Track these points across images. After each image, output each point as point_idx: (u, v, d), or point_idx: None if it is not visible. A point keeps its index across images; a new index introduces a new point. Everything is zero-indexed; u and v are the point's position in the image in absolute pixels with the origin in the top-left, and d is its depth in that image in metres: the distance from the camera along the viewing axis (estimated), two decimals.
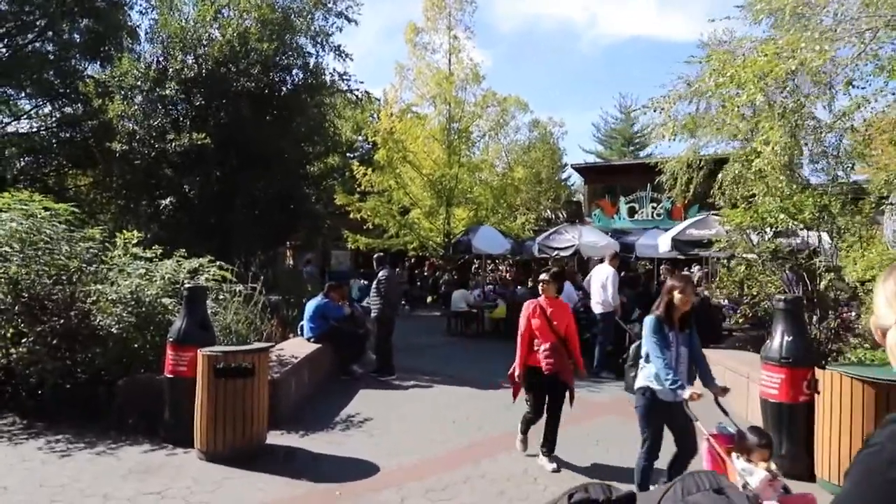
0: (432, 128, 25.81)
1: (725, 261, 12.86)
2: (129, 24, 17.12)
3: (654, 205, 27.01)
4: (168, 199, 11.91)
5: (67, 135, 15.41)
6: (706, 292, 12.03)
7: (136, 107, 12.29)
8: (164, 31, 12.67)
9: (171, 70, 12.52)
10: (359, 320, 10.98)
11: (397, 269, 26.67)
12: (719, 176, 21.70)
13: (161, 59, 12.87)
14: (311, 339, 9.92)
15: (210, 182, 12.26)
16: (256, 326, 9.03)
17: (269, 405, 6.84)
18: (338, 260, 33.29)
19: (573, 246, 13.83)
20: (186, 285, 7.25)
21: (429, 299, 24.74)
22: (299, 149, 13.83)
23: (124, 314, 7.64)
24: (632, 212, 27.04)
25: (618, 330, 10.71)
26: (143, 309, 7.94)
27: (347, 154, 39.66)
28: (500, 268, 29.60)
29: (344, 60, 16.94)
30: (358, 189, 26.74)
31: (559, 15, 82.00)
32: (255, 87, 12.71)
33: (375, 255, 10.73)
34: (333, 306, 10.28)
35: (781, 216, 9.89)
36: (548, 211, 31.66)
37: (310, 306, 10.09)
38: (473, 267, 29.06)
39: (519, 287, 18.36)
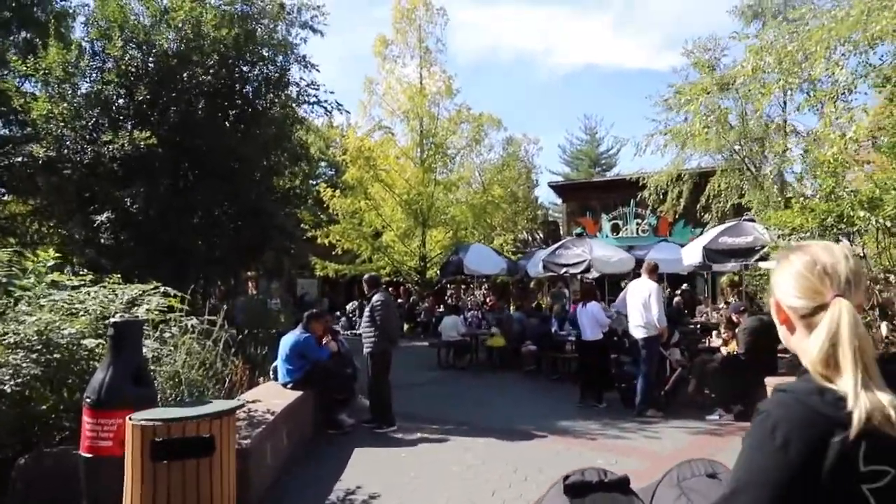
0: (404, 145, 23.78)
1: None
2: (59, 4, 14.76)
3: (639, 221, 25.31)
4: (104, 216, 9.46)
5: None
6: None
7: (64, 104, 9.88)
8: (100, 13, 10.32)
9: (108, 60, 10.18)
10: (346, 358, 8.72)
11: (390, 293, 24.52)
12: (708, 188, 20.42)
13: (97, 47, 10.50)
14: (289, 385, 7.61)
15: (157, 194, 9.88)
16: (217, 371, 6.68)
17: (236, 489, 4.58)
18: (304, 288, 30.75)
19: (584, 261, 11.79)
20: (112, 320, 4.96)
21: (405, 327, 22.45)
22: (265, 157, 11.52)
23: (26, 363, 5.26)
24: (615, 229, 25.27)
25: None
26: (57, 355, 5.57)
27: (311, 181, 37.47)
28: (476, 293, 27.55)
29: (310, 71, 14.78)
30: (325, 213, 24.56)
31: (516, 45, 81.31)
32: (212, 81, 10.43)
33: (366, 277, 8.49)
34: (315, 342, 8.01)
35: (861, 213, 7.96)
36: (524, 232, 29.75)
37: (286, 343, 7.78)
38: (448, 292, 26.85)
39: (513, 310, 16.26)
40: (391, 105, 23.53)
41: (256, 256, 12.17)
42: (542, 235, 30.10)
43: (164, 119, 10.06)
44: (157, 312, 6.57)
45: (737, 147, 19.75)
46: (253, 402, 6.74)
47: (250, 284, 29.12)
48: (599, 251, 12.17)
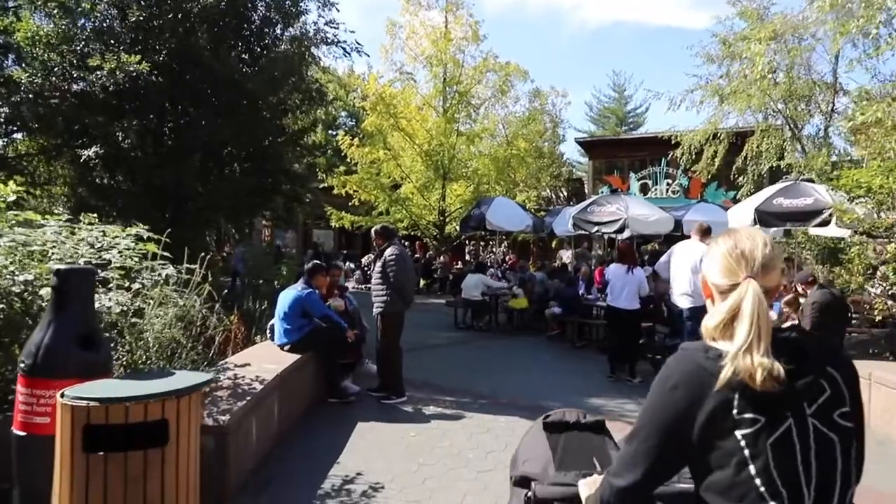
0: (427, 93, 22.47)
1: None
2: None
3: (670, 181, 23.97)
4: (92, 150, 8.43)
5: None
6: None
7: (51, 26, 8.80)
8: None
9: None
10: (354, 317, 7.75)
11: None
12: (746, 149, 18.99)
13: None
14: (286, 347, 6.65)
15: (152, 129, 8.85)
16: (198, 331, 5.71)
17: (214, 471, 3.68)
18: (320, 240, 29.88)
19: (620, 220, 10.62)
20: (55, 266, 3.99)
21: (421, 283, 21.51)
22: (273, 93, 10.38)
23: None
24: (644, 189, 23.96)
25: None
26: (3, 305, 4.64)
27: (329, 131, 36.08)
28: (496, 250, 26.56)
29: (329, 10, 13.53)
30: (343, 163, 23.47)
31: (543, 1, 78.27)
32: (214, 5, 9.27)
33: (377, 228, 7.39)
34: (319, 298, 7.03)
35: None
36: (547, 189, 28.45)
37: (284, 298, 6.79)
38: (467, 249, 25.86)
39: (533, 270, 15.20)
40: (414, 50, 22.18)
41: (263, 203, 11.12)
42: (566, 193, 28.79)
43: (161, 44, 8.94)
44: (134, 259, 5.60)
45: (780, 106, 18.34)
46: (242, 366, 5.81)
47: (265, 233, 28.32)
48: (636, 209, 10.96)
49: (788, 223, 9.35)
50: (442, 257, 20.91)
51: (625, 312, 8.50)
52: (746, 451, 1.45)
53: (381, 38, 22.57)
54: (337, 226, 23.40)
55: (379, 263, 7.02)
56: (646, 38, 72.44)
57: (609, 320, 9.01)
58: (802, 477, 1.44)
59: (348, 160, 22.59)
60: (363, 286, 23.14)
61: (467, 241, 25.11)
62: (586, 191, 26.93)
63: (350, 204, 22.70)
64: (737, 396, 1.46)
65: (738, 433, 1.46)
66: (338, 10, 12.65)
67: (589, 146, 27.47)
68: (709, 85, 18.94)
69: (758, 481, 1.44)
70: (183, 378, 3.63)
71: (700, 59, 18.96)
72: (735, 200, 20.16)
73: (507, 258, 23.39)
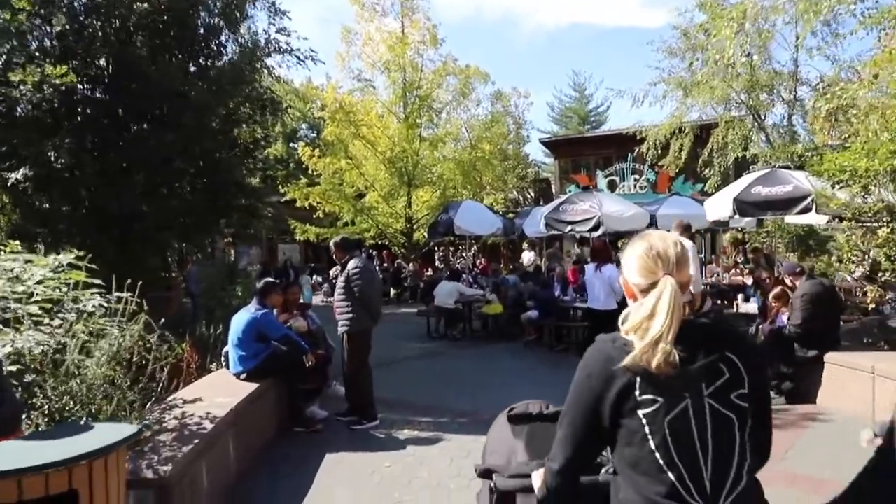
0: (387, 99, 21.87)
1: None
2: None
3: (637, 177, 23.71)
4: (21, 172, 7.69)
5: None
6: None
7: None
8: None
9: None
10: (318, 336, 7.14)
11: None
12: (711, 141, 18.78)
13: None
14: (242, 376, 6.01)
15: (90, 146, 8.13)
16: (141, 364, 5.03)
17: None
18: (285, 254, 29.02)
19: (593, 218, 10.15)
20: None
21: (391, 293, 20.88)
22: (221, 103, 9.71)
23: None
24: (612, 185, 23.64)
25: None
26: None
27: (290, 143, 35.21)
28: (466, 255, 26.06)
29: (280, 18, 12.96)
30: (305, 175, 22.76)
31: (500, 4, 78.30)
32: (152, 10, 8.58)
33: (335, 240, 6.75)
34: (276, 318, 6.40)
35: None
36: (514, 191, 28.05)
37: (237, 322, 6.15)
38: (437, 255, 25.30)
39: (505, 273, 14.70)
40: (371, 57, 21.57)
41: (217, 220, 10.40)
42: (533, 194, 28.43)
43: (94, 55, 8.24)
44: (62, 290, 4.92)
45: (743, 96, 18.18)
46: (192, 401, 5.16)
47: (229, 252, 27.41)
48: (610, 206, 10.49)
49: (769, 212, 8.96)
50: (411, 265, 20.31)
51: (600, 313, 8.05)
52: (647, 429, 1.64)
53: (337, 47, 21.66)
54: (302, 239, 22.66)
55: (342, 278, 6.41)
56: (602, 38, 72.93)
57: (588, 322, 8.55)
58: (699, 451, 1.62)
59: (310, 172, 21.88)
60: (331, 299, 22.45)
61: (436, 248, 24.55)
62: (553, 191, 26.56)
63: (314, 216, 21.99)
64: (638, 380, 1.66)
65: (640, 412, 1.65)
66: (289, 19, 12.06)
67: (554, 146, 27.14)
68: (672, 78, 18.72)
69: (657, 455, 1.63)
70: (103, 434, 3.01)
71: (662, 54, 18.76)
72: (703, 192, 19.95)
73: (477, 263, 22.92)
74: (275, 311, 6.53)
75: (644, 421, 1.65)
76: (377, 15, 21.54)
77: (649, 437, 1.64)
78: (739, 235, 19.14)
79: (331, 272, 23.19)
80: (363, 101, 21.31)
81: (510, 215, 19.18)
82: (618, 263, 9.56)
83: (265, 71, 14.24)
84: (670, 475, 1.61)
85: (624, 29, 72.18)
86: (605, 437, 1.75)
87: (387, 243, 22.77)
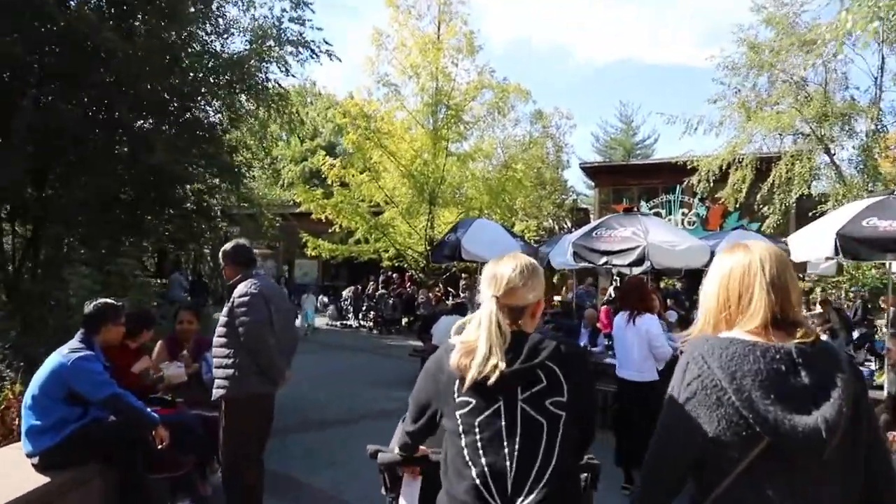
0: (414, 108, 19.57)
1: None
2: None
3: (685, 211, 20.88)
4: None
5: None
6: None
7: None
8: None
9: None
10: (202, 390, 4.63)
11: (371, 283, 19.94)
12: (773, 174, 15.96)
13: None
14: (35, 459, 3.55)
15: None
16: None
17: None
18: (302, 270, 26.85)
19: (637, 248, 7.47)
20: None
21: (404, 321, 18.39)
22: (155, 59, 7.25)
23: None
24: None
25: None
26: None
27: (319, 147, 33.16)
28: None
29: (302, 9, 11.21)
30: (322, 186, 20.63)
31: (549, 38, 76.10)
32: None
33: (225, 248, 4.09)
34: (100, 366, 3.88)
35: None
36: (549, 219, 25.37)
37: (39, 373, 3.70)
38: (462, 282, 22.63)
39: None
40: (403, 63, 19.34)
41: (135, 219, 7.91)
42: (569, 224, 25.70)
43: None
44: None
45: (813, 125, 15.39)
46: None
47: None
48: (659, 235, 7.71)
49: (889, 254, 6.19)
50: (422, 293, 17.79)
51: (633, 385, 5.39)
52: (460, 429, 1.79)
53: (365, 50, 19.50)
54: (312, 254, 20.42)
55: (225, 309, 3.92)
56: (652, 75, 69.93)
57: (619, 396, 5.88)
58: (506, 452, 1.72)
59: (329, 182, 19.70)
60: (337, 323, 20.15)
61: (461, 275, 21.91)
62: (592, 221, 23.84)
63: (330, 230, 19.72)
64: (457, 383, 1.83)
65: (457, 413, 1.81)
66: (313, 12, 10.21)
67: (595, 173, 24.41)
68: (735, 98, 16.03)
69: (465, 453, 1.76)
70: None
71: (723, 71, 16.07)
72: (760, 232, 16.96)
73: None
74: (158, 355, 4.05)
75: (459, 421, 1.79)
76: (412, 18, 19.38)
77: (462, 436, 1.77)
78: (808, 284, 16.26)
79: (344, 292, 21.03)
80: (386, 110, 19.02)
81: (536, 242, 16.56)
82: (665, 308, 6.97)
83: (275, 64, 12.27)
84: (473, 473, 1.72)
85: (676, 67, 69.29)
86: (436, 425, 1.96)
87: (405, 266, 20.37)
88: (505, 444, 1.70)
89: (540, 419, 1.72)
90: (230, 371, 3.83)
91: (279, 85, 12.88)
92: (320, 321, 19.24)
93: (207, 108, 9.02)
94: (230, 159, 11.35)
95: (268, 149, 14.77)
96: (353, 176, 18.79)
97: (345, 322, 19.89)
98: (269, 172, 35.26)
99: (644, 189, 22.58)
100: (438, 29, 19.40)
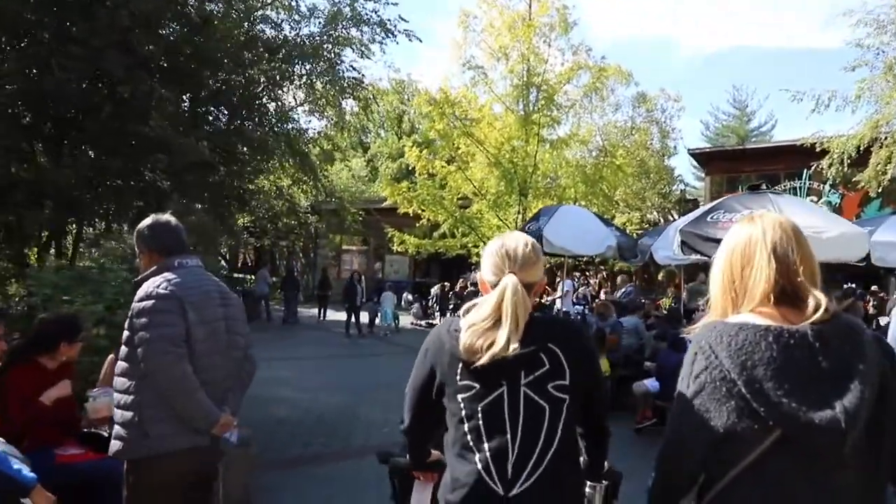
0: (503, 92, 17.89)
1: None
2: None
3: (814, 199, 18.04)
4: None
5: None
6: None
7: None
8: None
9: None
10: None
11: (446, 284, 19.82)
12: None
13: None
14: None
15: None
16: None
17: None
18: (393, 267, 25.81)
19: None
20: None
21: None
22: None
23: None
24: None
25: None
26: None
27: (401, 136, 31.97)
28: (591, 282, 21.40)
29: None
30: (407, 178, 19.51)
31: (652, 31, 71.68)
32: None
33: (140, 228, 2.61)
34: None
35: None
36: (654, 211, 22.99)
37: None
38: (557, 279, 20.65)
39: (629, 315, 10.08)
40: (491, 45, 17.73)
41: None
42: (676, 216, 23.20)
43: None
44: None
45: None
46: None
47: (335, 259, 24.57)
48: (800, 218, 5.66)
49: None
50: None
51: None
52: (463, 413, 1.75)
53: (458, 18, 18.05)
54: (398, 250, 19.27)
55: (125, 329, 2.51)
56: (769, 60, 64.31)
57: None
58: (509, 437, 1.70)
59: (417, 174, 18.51)
60: (422, 322, 18.87)
61: (556, 272, 19.97)
62: None
63: (418, 225, 18.47)
64: (461, 366, 1.76)
65: (459, 396, 1.76)
66: None
67: (706, 159, 21.77)
68: (880, 62, 13.27)
69: (468, 437, 1.73)
70: None
71: (865, 28, 13.31)
72: None
73: (595, 289, 18.33)
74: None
75: (462, 405, 1.75)
76: None
77: (465, 420, 1.74)
78: None
79: (433, 289, 19.74)
80: (470, 94, 17.47)
81: (636, 232, 14.46)
82: None
83: (351, 47, 11.47)
84: (476, 458, 1.70)
85: (796, 51, 63.25)
86: (436, 412, 1.86)
87: None
88: (508, 429, 1.70)
89: (542, 403, 1.72)
90: (128, 415, 2.43)
91: (353, 67, 11.89)
92: (405, 320, 18.09)
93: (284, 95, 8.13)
94: (308, 149, 10.85)
95: (351, 141, 14.22)
96: (441, 167, 17.44)
97: (430, 321, 18.61)
98: (367, 169, 34.94)
99: (763, 176, 19.67)
100: (530, 7, 17.65)
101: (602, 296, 16.55)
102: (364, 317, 16.63)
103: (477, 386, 1.71)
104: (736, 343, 1.38)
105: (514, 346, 1.65)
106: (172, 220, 2.71)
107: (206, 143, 6.15)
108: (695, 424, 1.42)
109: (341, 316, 16.81)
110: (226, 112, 7.63)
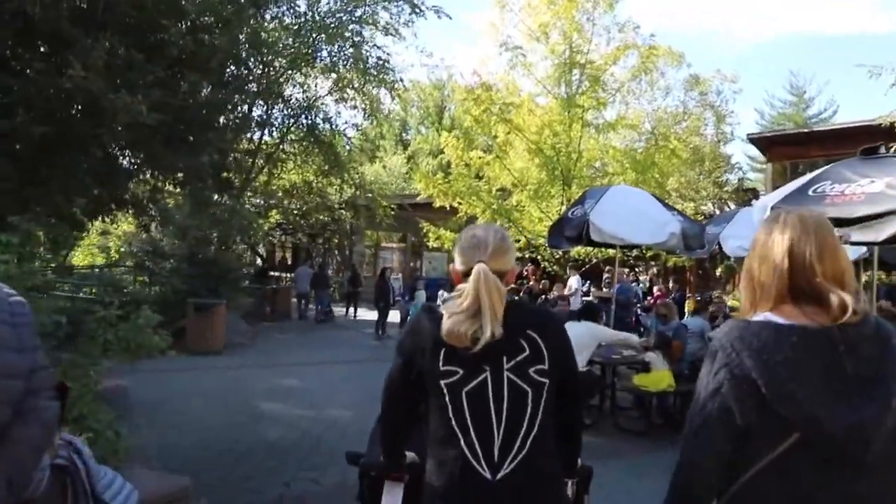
0: (542, 75, 16.36)
1: None
2: None
3: None
4: None
5: None
6: None
7: None
8: None
9: None
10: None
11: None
12: None
13: None
14: None
15: None
16: None
17: None
18: (431, 264, 24.47)
19: (892, 212, 4.02)
20: None
21: None
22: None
23: None
24: None
25: None
26: None
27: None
28: (643, 277, 19.69)
29: None
30: (445, 170, 18.19)
31: (704, 23, 68.57)
32: None
33: None
34: None
35: None
36: (709, 202, 21.10)
37: None
38: (605, 275, 18.95)
39: (690, 314, 8.49)
40: (530, 25, 16.22)
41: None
42: (733, 207, 21.25)
43: None
44: None
45: None
46: None
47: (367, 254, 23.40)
48: None
49: None
50: (557, 287, 14.62)
51: None
52: (447, 398, 1.72)
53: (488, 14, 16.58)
54: (433, 245, 17.99)
55: None
56: (826, 46, 60.73)
57: None
58: (494, 421, 1.68)
59: (453, 165, 17.17)
60: None
61: (604, 266, 18.24)
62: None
63: (455, 218, 17.11)
64: (443, 352, 1.73)
65: (442, 382, 1.73)
66: None
67: (766, 144, 19.74)
68: None
69: (453, 422, 1.70)
70: None
71: None
72: None
73: (654, 292, 16.58)
74: None
75: (445, 390, 1.72)
76: None
77: (448, 405, 1.71)
78: None
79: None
80: (508, 78, 16.01)
81: (701, 218, 12.76)
82: None
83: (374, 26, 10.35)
84: (462, 442, 1.67)
85: (853, 37, 59.48)
86: (418, 398, 1.82)
87: (537, 256, 17.23)
88: (493, 413, 1.69)
89: (525, 387, 1.73)
90: None
91: (377, 47, 10.60)
92: None
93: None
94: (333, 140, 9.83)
95: (391, 137, 13.26)
96: (479, 158, 16.06)
97: None
98: (406, 166, 33.85)
99: (832, 161, 17.69)
100: None
101: (655, 292, 14.93)
102: (395, 315, 15.42)
103: (460, 371, 1.71)
104: (758, 342, 1.33)
105: (499, 331, 1.66)
106: None
107: (144, 105, 4.91)
108: (715, 423, 1.35)
109: (373, 315, 15.64)
110: (180, 73, 6.24)
